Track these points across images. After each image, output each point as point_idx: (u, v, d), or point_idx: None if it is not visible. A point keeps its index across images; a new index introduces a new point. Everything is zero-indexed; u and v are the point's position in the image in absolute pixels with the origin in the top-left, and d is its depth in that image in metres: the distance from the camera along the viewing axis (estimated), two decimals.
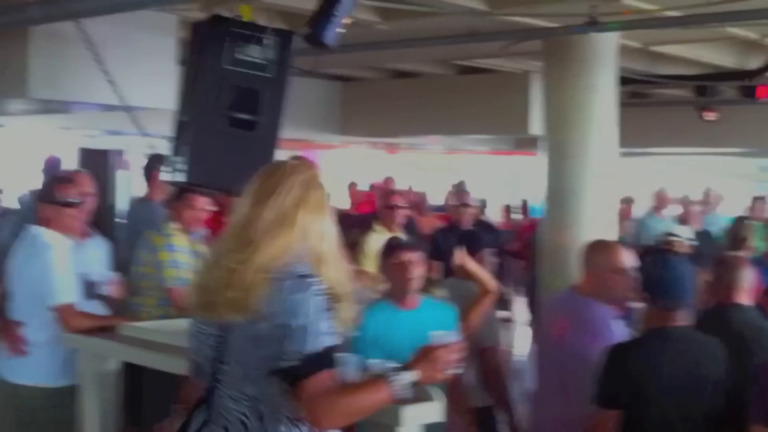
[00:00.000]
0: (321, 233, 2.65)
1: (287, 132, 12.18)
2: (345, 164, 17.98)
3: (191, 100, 5.43)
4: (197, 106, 5.37)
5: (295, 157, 2.75)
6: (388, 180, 12.50)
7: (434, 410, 3.34)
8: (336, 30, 4.87)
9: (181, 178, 5.42)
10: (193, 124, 5.37)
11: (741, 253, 5.61)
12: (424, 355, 2.65)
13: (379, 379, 2.60)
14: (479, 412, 5.14)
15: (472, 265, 5.09)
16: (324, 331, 2.52)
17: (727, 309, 4.21)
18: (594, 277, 4.34)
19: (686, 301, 3.80)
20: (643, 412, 3.68)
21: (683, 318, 3.80)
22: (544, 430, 4.58)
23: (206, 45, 5.33)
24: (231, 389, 2.62)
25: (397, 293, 4.36)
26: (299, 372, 2.49)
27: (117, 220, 7.40)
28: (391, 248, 4.45)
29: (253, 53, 5.32)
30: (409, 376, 2.60)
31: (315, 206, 2.65)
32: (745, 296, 4.25)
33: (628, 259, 4.29)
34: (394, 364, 2.73)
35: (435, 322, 3.92)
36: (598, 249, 4.47)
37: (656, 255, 4.35)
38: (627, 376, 3.67)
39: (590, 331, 4.21)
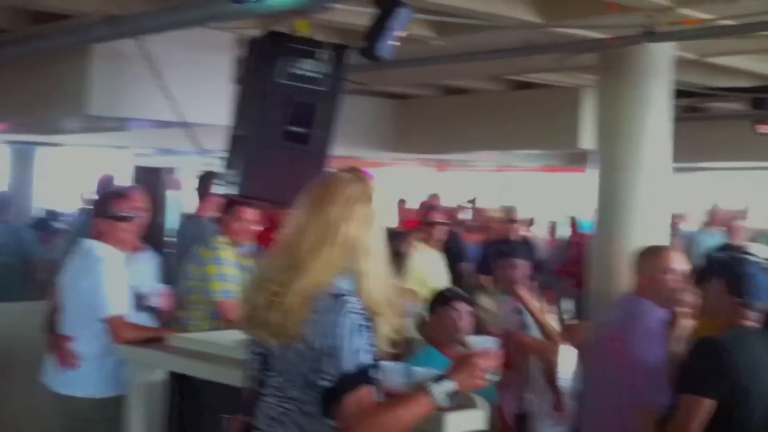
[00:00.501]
0: (366, 248, 2.62)
1: (341, 149, 12.33)
2: (395, 182, 18.02)
3: (246, 114, 5.50)
4: (252, 120, 5.44)
5: (349, 169, 2.72)
6: (434, 197, 12.51)
7: (477, 418, 3.33)
8: (391, 43, 4.91)
9: (233, 190, 5.48)
10: (247, 138, 5.44)
11: None
12: (463, 362, 2.64)
13: (418, 390, 2.59)
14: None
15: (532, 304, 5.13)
16: (360, 349, 2.51)
17: None
18: (646, 280, 4.39)
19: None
20: (740, 406, 3.77)
21: (761, 319, 3.95)
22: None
23: (262, 60, 5.40)
24: (277, 394, 2.66)
25: (444, 341, 4.45)
26: (337, 391, 2.50)
27: (167, 237, 7.50)
28: (447, 298, 4.58)
29: (309, 67, 5.37)
30: (449, 385, 2.58)
31: (360, 221, 2.62)
32: None
33: (679, 260, 4.40)
34: (436, 373, 2.71)
35: None
36: (648, 253, 4.55)
37: (739, 256, 4.47)
38: (726, 367, 3.76)
39: (646, 332, 4.27)
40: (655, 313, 4.32)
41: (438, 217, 7.10)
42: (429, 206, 7.93)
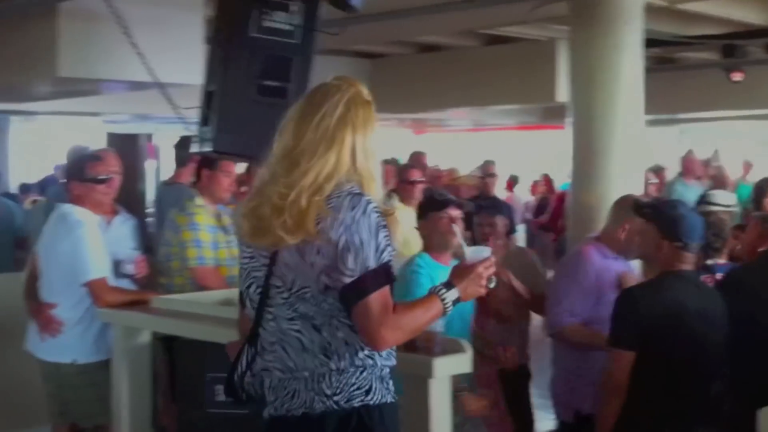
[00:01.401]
0: (367, 151, 2.63)
1: None
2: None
3: (219, 69, 5.45)
4: (225, 76, 5.39)
5: (338, 78, 2.74)
6: (421, 155, 12.50)
7: (464, 361, 3.42)
8: None
9: (207, 147, 5.44)
10: (220, 93, 5.39)
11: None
12: (464, 271, 2.70)
13: (431, 295, 2.65)
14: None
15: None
16: (383, 248, 2.54)
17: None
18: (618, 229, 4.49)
19: (698, 243, 3.95)
20: (661, 354, 3.81)
21: (694, 261, 3.97)
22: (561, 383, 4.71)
23: (232, 14, 5.35)
24: (283, 310, 2.63)
25: (437, 248, 4.41)
26: (360, 287, 2.50)
27: (147, 207, 7.49)
28: (440, 203, 4.51)
29: (280, 20, 5.33)
30: (455, 293, 2.66)
31: (361, 124, 2.63)
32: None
33: None
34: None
35: None
36: (624, 202, 4.60)
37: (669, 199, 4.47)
38: (637, 317, 3.80)
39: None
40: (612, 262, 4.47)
41: (416, 176, 7.10)
42: (406, 165, 7.93)
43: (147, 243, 5.89)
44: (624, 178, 7.03)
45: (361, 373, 2.61)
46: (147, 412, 4.61)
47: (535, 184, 15.02)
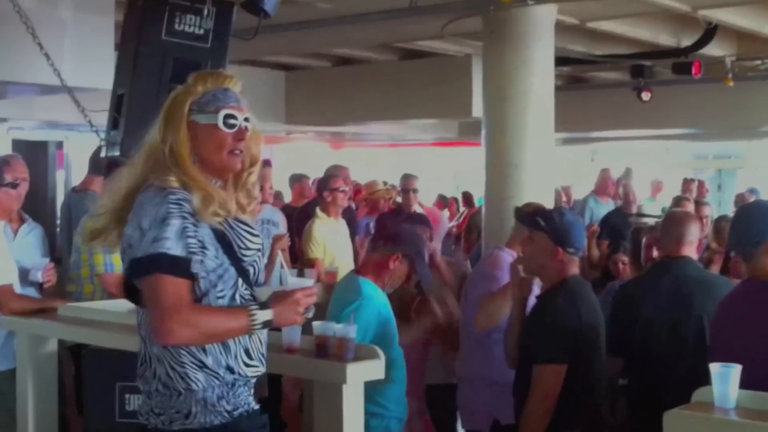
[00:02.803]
0: (175, 141, 2.64)
1: None
2: (290, 159, 17.97)
3: (129, 72, 5.40)
4: (135, 79, 5.34)
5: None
6: (342, 168, 12.48)
7: (377, 368, 3.43)
8: None
9: (115, 151, 5.38)
10: (130, 97, 5.34)
11: None
12: (284, 296, 2.68)
13: (240, 307, 2.64)
14: (435, 389, 5.18)
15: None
16: (165, 237, 2.52)
17: (673, 261, 4.38)
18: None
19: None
20: (590, 357, 3.85)
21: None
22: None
23: (144, 16, 5.31)
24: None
25: None
26: (133, 275, 2.58)
27: (57, 217, 7.34)
28: None
29: (190, 23, 5.30)
30: (269, 314, 2.63)
31: (166, 121, 2.68)
32: (690, 249, 4.40)
33: None
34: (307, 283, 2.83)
35: None
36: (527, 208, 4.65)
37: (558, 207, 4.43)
38: (577, 327, 3.80)
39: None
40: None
41: (338, 184, 7.11)
42: (328, 175, 7.92)
43: (54, 252, 5.79)
44: (536, 193, 7.13)
45: (178, 396, 2.62)
46: (53, 423, 4.52)
47: (452, 201, 15.13)
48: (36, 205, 6.18)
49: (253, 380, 2.74)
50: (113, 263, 5.15)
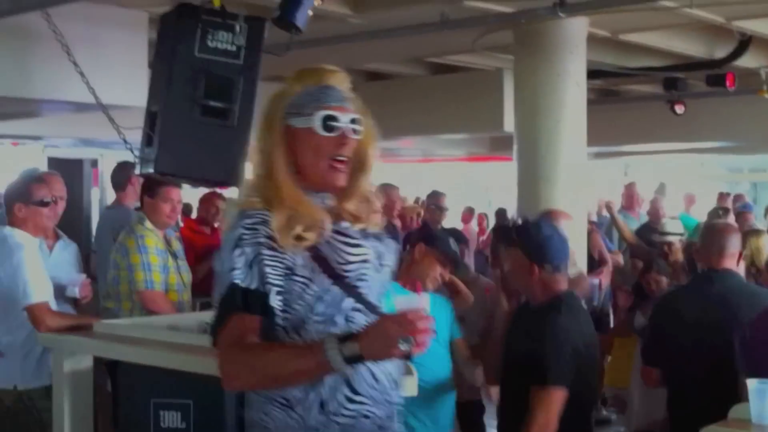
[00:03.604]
0: (269, 148, 2.34)
1: None
2: None
3: (162, 90, 5.42)
4: (168, 96, 5.36)
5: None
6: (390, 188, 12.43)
7: (411, 384, 3.27)
8: (307, 12, 4.90)
9: (149, 168, 5.39)
10: (163, 114, 5.36)
11: None
12: (376, 327, 2.17)
13: (314, 345, 2.20)
14: (463, 406, 5.07)
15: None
16: (232, 268, 2.24)
17: (717, 273, 4.33)
18: None
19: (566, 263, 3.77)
20: (585, 379, 3.66)
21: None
22: None
23: (174, 33, 5.33)
24: None
25: None
26: (215, 323, 2.29)
27: (92, 235, 7.37)
28: None
29: (223, 40, 5.32)
30: (354, 349, 2.14)
31: (263, 126, 2.37)
32: (731, 262, 4.37)
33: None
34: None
35: None
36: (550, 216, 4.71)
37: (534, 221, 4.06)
38: (579, 347, 3.60)
39: None
40: None
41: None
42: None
43: (89, 269, 5.81)
44: (568, 208, 7.08)
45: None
46: None
47: (481, 217, 15.08)
48: (71, 223, 6.21)
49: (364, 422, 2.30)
50: (153, 280, 5.15)
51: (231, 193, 7.91)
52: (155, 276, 5.16)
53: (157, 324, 4.58)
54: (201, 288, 5.89)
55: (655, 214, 9.14)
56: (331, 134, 2.31)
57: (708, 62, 9.65)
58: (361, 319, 2.28)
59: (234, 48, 5.35)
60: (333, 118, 2.31)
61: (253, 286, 2.24)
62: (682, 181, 17.83)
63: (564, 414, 3.50)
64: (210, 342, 2.34)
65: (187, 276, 5.43)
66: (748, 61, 9.50)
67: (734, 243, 4.37)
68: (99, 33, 6.55)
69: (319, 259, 2.27)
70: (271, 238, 2.24)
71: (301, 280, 2.26)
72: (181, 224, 6.99)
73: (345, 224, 2.37)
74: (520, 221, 4.23)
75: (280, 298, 2.26)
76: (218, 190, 7.30)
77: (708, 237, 4.47)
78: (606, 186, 17.01)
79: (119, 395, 4.32)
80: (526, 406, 3.50)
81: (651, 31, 8.49)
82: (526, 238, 3.68)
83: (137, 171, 5.79)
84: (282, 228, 2.24)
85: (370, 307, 2.32)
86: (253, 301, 2.24)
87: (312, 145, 2.31)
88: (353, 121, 2.33)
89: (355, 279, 2.30)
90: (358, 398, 2.28)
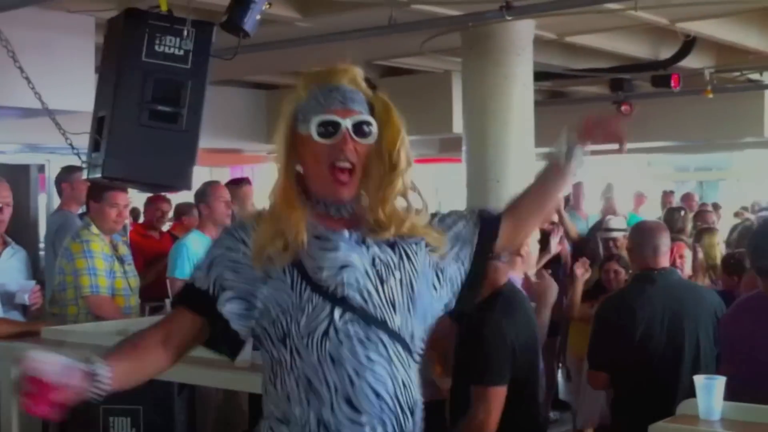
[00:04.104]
0: (276, 156, 2.28)
1: (214, 142, 12.18)
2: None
3: (110, 94, 5.40)
4: (116, 100, 5.34)
5: None
6: None
7: None
8: (255, 16, 4.90)
9: (97, 173, 5.37)
10: (111, 118, 5.33)
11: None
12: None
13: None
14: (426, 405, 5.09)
15: None
16: (196, 267, 2.28)
17: (656, 272, 4.37)
18: None
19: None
20: (527, 375, 3.74)
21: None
22: None
23: (124, 38, 5.31)
24: None
25: None
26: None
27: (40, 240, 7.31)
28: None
29: (170, 44, 5.30)
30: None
31: (276, 132, 2.29)
32: (665, 260, 4.41)
33: None
34: None
35: None
36: None
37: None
38: (517, 344, 3.68)
39: None
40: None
41: None
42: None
43: (38, 275, 5.75)
44: None
45: None
46: None
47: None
48: (19, 229, 6.15)
49: None
50: (99, 285, 5.14)
51: (180, 197, 7.91)
52: (101, 281, 5.16)
53: (106, 329, 4.57)
54: (150, 292, 5.89)
55: (610, 212, 9.24)
56: (328, 140, 2.17)
57: (653, 63, 9.79)
58: (356, 332, 2.14)
59: (182, 52, 5.33)
60: (329, 123, 2.17)
61: (204, 287, 2.22)
62: (630, 180, 18.03)
63: (508, 410, 3.56)
64: None
65: (135, 280, 5.42)
66: (692, 61, 9.65)
67: (666, 241, 4.40)
68: (46, 38, 6.49)
69: (299, 266, 2.17)
70: (245, 243, 2.21)
71: (279, 288, 2.18)
72: (130, 229, 6.96)
73: (331, 232, 2.22)
74: None
75: (239, 303, 2.20)
76: (165, 195, 7.29)
77: (640, 237, 4.47)
78: None
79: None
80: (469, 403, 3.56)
81: (597, 33, 8.59)
82: None
83: (84, 176, 5.75)
84: (255, 247, 2.19)
85: (370, 319, 2.16)
86: (199, 301, 2.22)
87: (312, 153, 2.19)
88: (358, 123, 2.18)
89: (338, 287, 2.16)
90: (359, 418, 2.15)
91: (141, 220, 8.57)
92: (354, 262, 2.17)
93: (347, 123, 2.17)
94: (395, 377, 2.16)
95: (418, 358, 2.24)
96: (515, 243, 2.46)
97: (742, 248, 5.92)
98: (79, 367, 2.07)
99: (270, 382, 2.23)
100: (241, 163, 16.22)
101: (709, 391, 2.88)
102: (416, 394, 2.22)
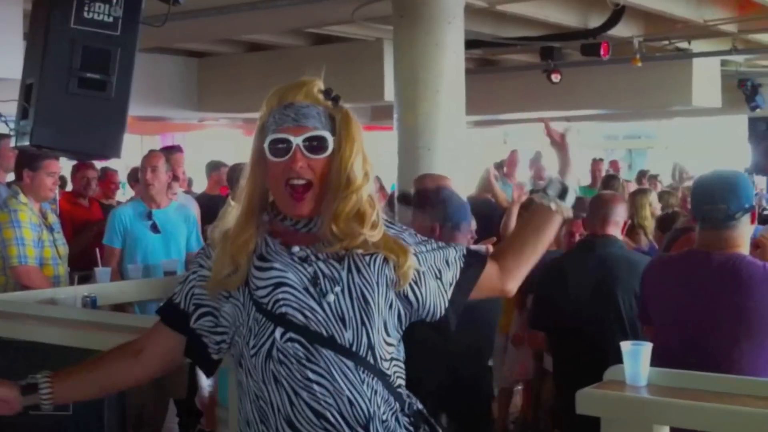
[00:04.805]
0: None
1: (145, 109, 12.05)
2: (205, 147, 17.84)
3: (38, 61, 5.31)
4: (44, 68, 5.25)
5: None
6: None
7: None
8: None
9: (25, 141, 5.30)
10: (39, 86, 5.25)
11: None
12: None
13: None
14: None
15: None
16: (179, 282, 2.37)
17: (598, 239, 4.47)
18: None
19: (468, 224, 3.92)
20: None
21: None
22: None
23: (52, 5, 5.21)
24: None
25: None
26: None
27: None
28: None
29: (102, 11, 5.23)
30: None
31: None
32: (614, 229, 4.52)
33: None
34: None
35: None
36: (426, 179, 4.83)
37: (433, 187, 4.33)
38: None
39: None
40: None
41: None
42: (240, 165, 7.85)
43: None
44: (449, 176, 7.22)
45: None
46: None
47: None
48: None
49: None
50: (27, 255, 5.11)
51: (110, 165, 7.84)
52: (29, 251, 5.14)
53: (33, 298, 4.54)
54: (79, 262, 5.85)
55: (538, 179, 9.40)
56: (281, 158, 2.18)
57: (583, 32, 9.91)
58: (296, 351, 2.15)
59: (111, 19, 5.25)
60: (280, 141, 2.18)
61: (182, 305, 2.30)
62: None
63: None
64: None
65: (64, 249, 5.40)
66: (621, 30, 9.78)
67: (618, 212, 4.50)
68: None
69: (248, 286, 2.21)
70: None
71: (236, 306, 2.23)
72: (59, 197, 6.89)
73: (295, 247, 2.23)
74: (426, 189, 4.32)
75: (210, 320, 2.28)
76: (92, 162, 7.22)
77: (593, 206, 4.60)
78: (486, 154, 17.32)
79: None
80: None
81: (527, 1, 8.67)
82: (425, 200, 3.85)
83: (12, 144, 5.68)
84: (213, 272, 2.25)
85: (313, 337, 2.16)
86: (175, 317, 2.31)
87: (270, 171, 2.21)
88: (309, 139, 2.18)
89: (275, 305, 2.18)
90: None
91: (68, 188, 8.47)
92: (289, 279, 2.19)
93: (298, 140, 2.18)
94: (339, 395, 2.15)
95: (383, 369, 2.21)
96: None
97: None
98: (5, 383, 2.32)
99: (239, 407, 2.30)
100: (173, 131, 16.09)
101: (636, 357, 2.88)
102: (371, 408, 2.18)
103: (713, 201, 3.31)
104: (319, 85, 2.33)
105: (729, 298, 3.26)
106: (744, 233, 3.33)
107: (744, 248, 3.34)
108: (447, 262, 2.34)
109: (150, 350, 2.34)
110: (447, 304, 2.31)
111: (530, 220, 2.48)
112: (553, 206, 2.42)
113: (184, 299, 2.30)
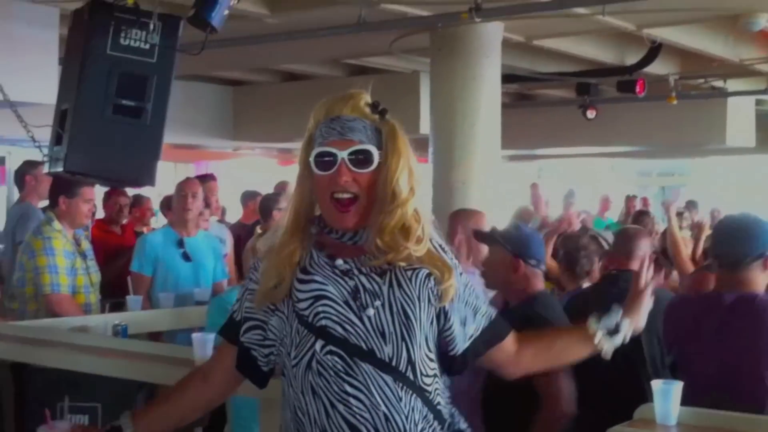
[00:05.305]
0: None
1: (180, 137, 12.10)
2: (239, 176, 17.90)
3: (74, 87, 5.31)
4: (80, 93, 5.26)
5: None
6: (283, 184, 12.43)
7: None
8: (223, 12, 4.84)
9: (58, 167, 5.29)
10: (74, 112, 5.25)
11: None
12: None
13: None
14: None
15: None
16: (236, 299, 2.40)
17: (621, 274, 4.40)
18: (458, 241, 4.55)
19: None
20: None
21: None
22: None
23: (89, 31, 5.23)
24: None
25: None
26: None
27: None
28: None
29: (136, 38, 5.23)
30: None
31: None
32: (638, 264, 4.43)
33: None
34: None
35: None
36: (462, 215, 4.80)
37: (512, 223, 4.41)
38: None
39: None
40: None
41: (283, 204, 7.06)
42: (274, 194, 7.85)
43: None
44: (483, 210, 7.15)
45: None
46: None
47: None
48: None
49: None
50: (60, 284, 5.08)
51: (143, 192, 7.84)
52: (62, 279, 5.11)
53: (64, 326, 4.51)
54: (111, 289, 5.82)
55: (536, 207, 9.37)
56: (326, 172, 2.18)
57: (619, 68, 9.86)
58: (335, 363, 2.16)
59: (148, 46, 5.26)
60: (326, 154, 2.18)
61: (237, 318, 2.33)
62: (593, 184, 18.13)
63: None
64: None
65: (96, 276, 5.37)
66: (657, 68, 9.73)
67: (642, 246, 4.46)
68: (9, 29, 6.42)
69: (292, 298, 2.23)
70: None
71: (281, 318, 2.26)
72: (92, 224, 6.89)
73: (336, 260, 2.23)
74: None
75: (258, 333, 2.30)
76: (124, 189, 7.23)
77: (618, 240, 4.63)
78: (520, 189, 17.25)
79: (24, 398, 4.24)
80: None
81: (564, 37, 8.64)
82: (509, 235, 3.80)
83: (45, 170, 5.68)
84: (260, 286, 2.27)
85: (352, 350, 2.16)
86: (232, 331, 2.34)
87: (317, 184, 2.22)
88: (355, 153, 2.17)
89: (316, 318, 2.19)
90: None
91: (98, 214, 8.48)
92: (329, 292, 2.19)
93: (343, 154, 2.17)
94: (375, 410, 2.14)
95: (422, 386, 2.19)
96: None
97: None
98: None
99: (281, 418, 2.32)
100: (207, 159, 16.16)
101: (666, 396, 2.87)
102: (407, 425, 2.16)
103: (729, 244, 3.42)
104: (366, 98, 2.30)
105: (746, 338, 3.31)
106: (756, 277, 3.39)
107: (757, 291, 3.40)
108: (475, 313, 2.32)
109: (216, 370, 2.38)
110: (461, 351, 2.29)
111: (569, 334, 2.54)
112: (596, 339, 2.47)
113: (240, 313, 2.34)
